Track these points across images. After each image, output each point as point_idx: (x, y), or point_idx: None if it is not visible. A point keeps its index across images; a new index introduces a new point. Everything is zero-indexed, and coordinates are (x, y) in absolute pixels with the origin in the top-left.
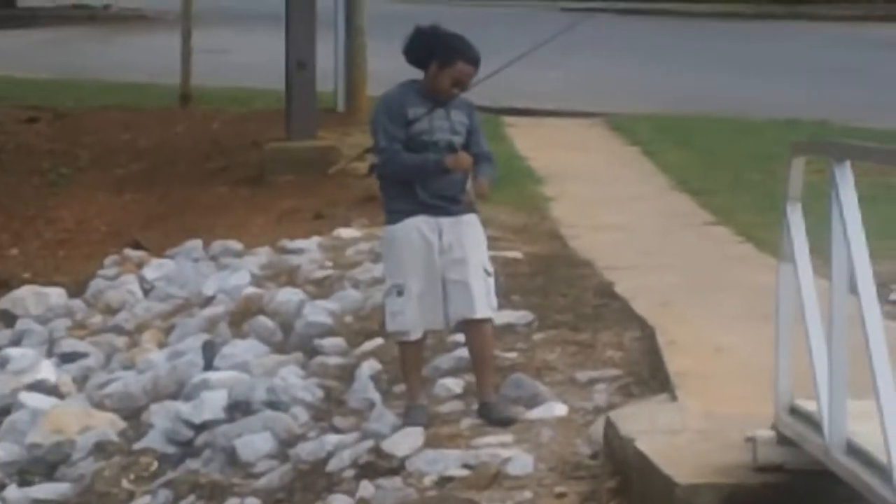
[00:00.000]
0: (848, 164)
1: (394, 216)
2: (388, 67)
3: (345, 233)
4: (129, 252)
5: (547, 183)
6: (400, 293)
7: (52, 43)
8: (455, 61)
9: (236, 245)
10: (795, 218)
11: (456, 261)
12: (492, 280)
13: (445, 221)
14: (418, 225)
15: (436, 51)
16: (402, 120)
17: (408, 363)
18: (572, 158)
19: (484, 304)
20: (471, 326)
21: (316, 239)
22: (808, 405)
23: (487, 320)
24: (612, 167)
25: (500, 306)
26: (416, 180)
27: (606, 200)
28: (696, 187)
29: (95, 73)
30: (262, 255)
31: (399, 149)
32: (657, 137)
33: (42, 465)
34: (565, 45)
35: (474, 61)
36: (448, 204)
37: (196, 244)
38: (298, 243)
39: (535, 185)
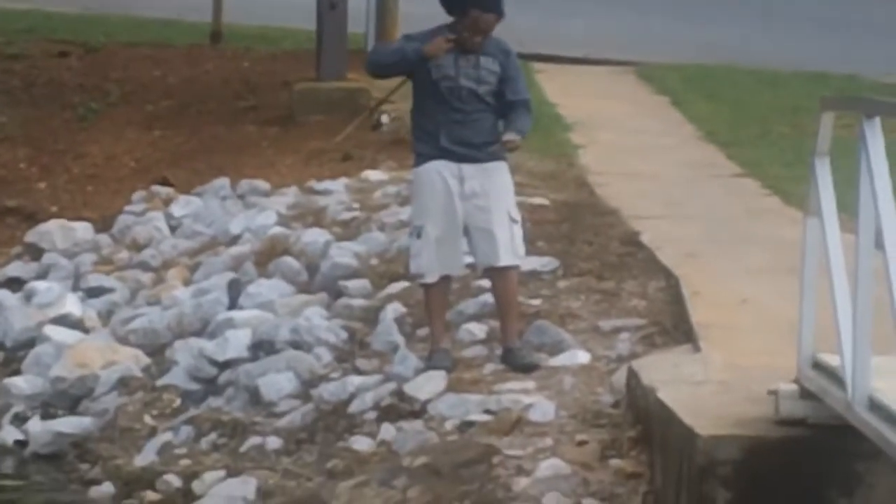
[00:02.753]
0: (878, 119)
1: (418, 159)
2: (419, 10)
3: (372, 175)
4: (156, 188)
5: (575, 130)
6: (419, 235)
7: None
8: (469, 9)
9: (263, 184)
10: (823, 172)
11: (480, 208)
12: (518, 227)
13: (468, 168)
14: (439, 169)
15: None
16: (423, 62)
17: (431, 306)
18: (601, 107)
19: (508, 251)
20: (495, 273)
21: (343, 180)
22: (832, 360)
23: (512, 267)
24: (641, 116)
25: (526, 253)
26: (393, 65)
27: (634, 149)
28: (724, 139)
29: (126, 9)
30: (290, 195)
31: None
32: (685, 88)
33: (65, 399)
34: None
35: (489, 7)
36: (471, 150)
37: (223, 182)
38: (326, 184)
39: (563, 133)
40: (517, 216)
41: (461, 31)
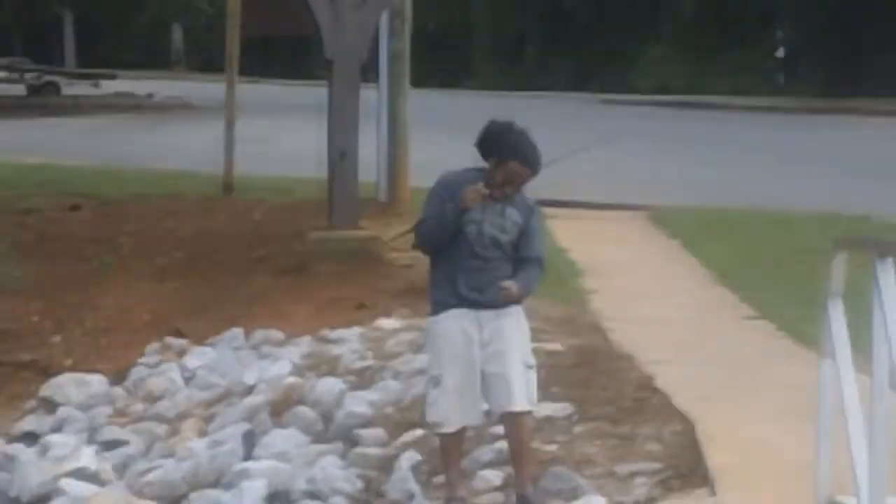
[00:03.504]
0: (890, 260)
1: (435, 307)
2: (428, 157)
3: (386, 323)
4: (170, 340)
5: (588, 275)
6: (437, 384)
7: (95, 131)
8: (508, 159)
9: (277, 334)
10: (836, 314)
11: (496, 353)
12: (533, 373)
13: (486, 315)
14: (458, 318)
15: (497, 145)
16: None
17: (447, 454)
18: (613, 251)
19: (523, 397)
20: (509, 419)
21: (357, 329)
22: (849, 502)
23: (526, 413)
24: (654, 260)
25: (541, 398)
26: (440, 235)
27: (648, 293)
28: (738, 281)
29: (138, 162)
30: (304, 344)
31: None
32: (698, 231)
33: None
34: (606, 136)
35: (529, 163)
36: (488, 297)
37: (237, 333)
38: (339, 333)
39: (577, 278)
40: (532, 362)
41: (495, 179)
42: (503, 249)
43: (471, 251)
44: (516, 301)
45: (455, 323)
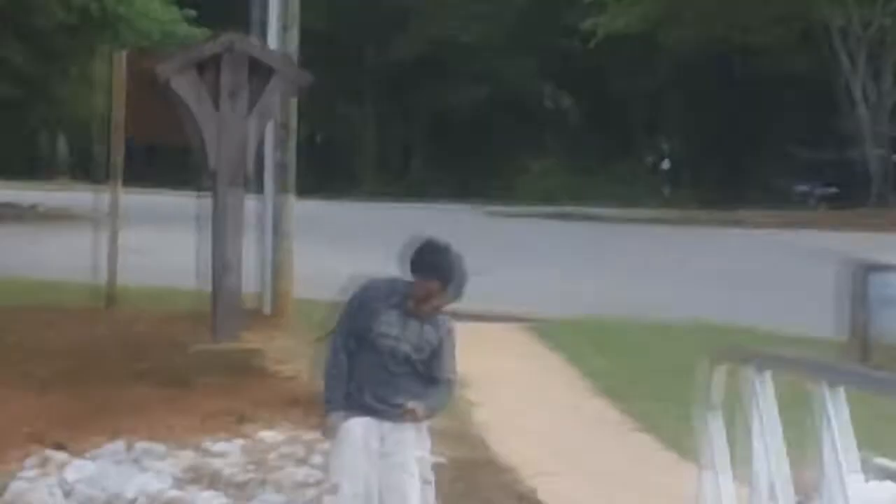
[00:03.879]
0: (769, 373)
1: (331, 410)
2: (314, 269)
3: (268, 436)
4: (50, 453)
5: (471, 387)
6: (334, 492)
7: None
8: (416, 274)
9: (159, 447)
10: (715, 425)
11: (395, 465)
12: (431, 489)
13: (388, 426)
14: (360, 427)
15: (421, 263)
16: (370, 316)
17: None
18: (497, 364)
19: None
20: None
21: (239, 442)
22: None
23: None
24: (536, 373)
25: None
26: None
27: (531, 406)
28: (619, 393)
29: (20, 272)
30: (185, 457)
31: (341, 361)
32: (581, 343)
33: None
34: (489, 248)
35: (436, 278)
36: (393, 409)
37: (118, 446)
38: (221, 446)
39: (459, 390)
40: (431, 478)
41: (414, 296)
42: (413, 366)
43: (381, 364)
44: (419, 421)
45: (356, 432)
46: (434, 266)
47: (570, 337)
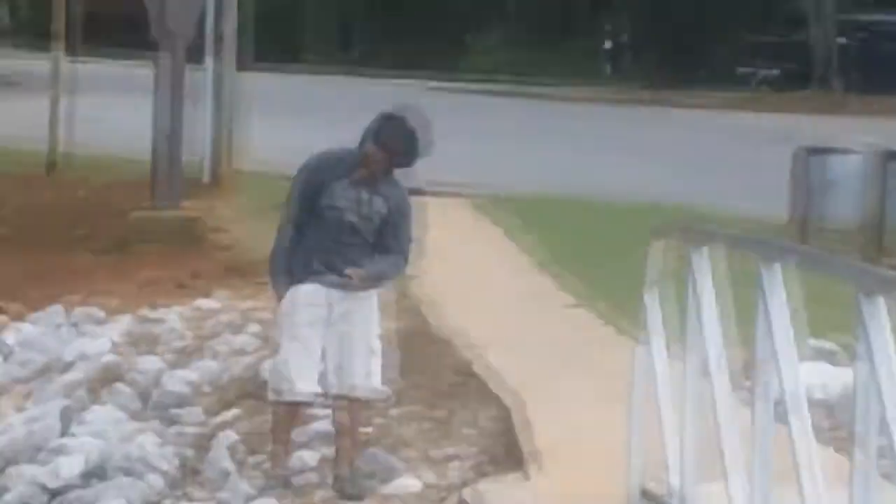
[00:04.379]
0: (705, 249)
1: (279, 277)
2: (255, 139)
3: (205, 303)
4: None
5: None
6: (281, 352)
7: None
8: (367, 142)
9: (98, 312)
10: (652, 302)
11: (341, 335)
12: (377, 360)
13: (335, 294)
14: (309, 292)
15: (367, 131)
16: (318, 188)
17: (277, 427)
18: (435, 237)
19: (363, 383)
20: (343, 402)
21: (177, 309)
22: (660, 488)
23: (363, 399)
24: (476, 247)
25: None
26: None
27: (469, 279)
28: (557, 269)
29: None
30: (124, 322)
31: (289, 233)
32: (521, 219)
33: None
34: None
35: (384, 146)
36: (340, 278)
37: (57, 310)
38: (160, 313)
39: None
40: (378, 348)
41: (364, 164)
42: (363, 236)
43: (330, 235)
44: (361, 288)
45: (304, 297)
46: (390, 137)
47: (511, 213)
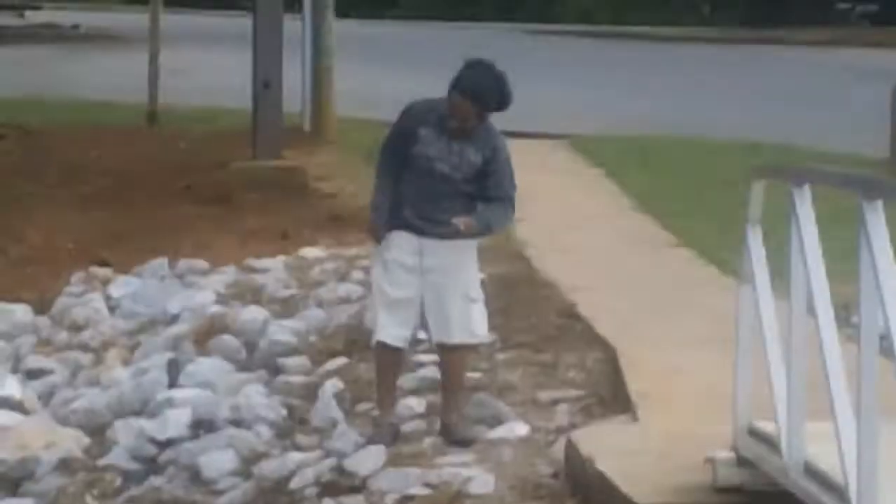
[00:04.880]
0: (807, 187)
1: (377, 227)
2: (354, 87)
3: (310, 252)
4: (95, 270)
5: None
6: (376, 299)
7: (19, 62)
8: (451, 91)
9: (202, 264)
10: (755, 241)
11: (434, 284)
12: (477, 306)
13: (428, 243)
14: (400, 240)
15: (454, 79)
16: (409, 137)
17: (381, 372)
18: (536, 180)
19: (460, 330)
20: (446, 349)
21: (281, 258)
22: (767, 426)
23: (463, 346)
24: (576, 189)
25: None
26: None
27: (571, 222)
28: (660, 209)
29: (63, 92)
30: (228, 273)
31: (382, 187)
32: (620, 159)
33: (6, 482)
34: (527, 66)
35: (471, 96)
36: (434, 226)
37: (162, 262)
38: (264, 262)
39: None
40: (476, 296)
41: (452, 114)
42: (455, 185)
43: (422, 183)
44: (468, 237)
45: (396, 245)
46: (473, 84)
47: (611, 154)
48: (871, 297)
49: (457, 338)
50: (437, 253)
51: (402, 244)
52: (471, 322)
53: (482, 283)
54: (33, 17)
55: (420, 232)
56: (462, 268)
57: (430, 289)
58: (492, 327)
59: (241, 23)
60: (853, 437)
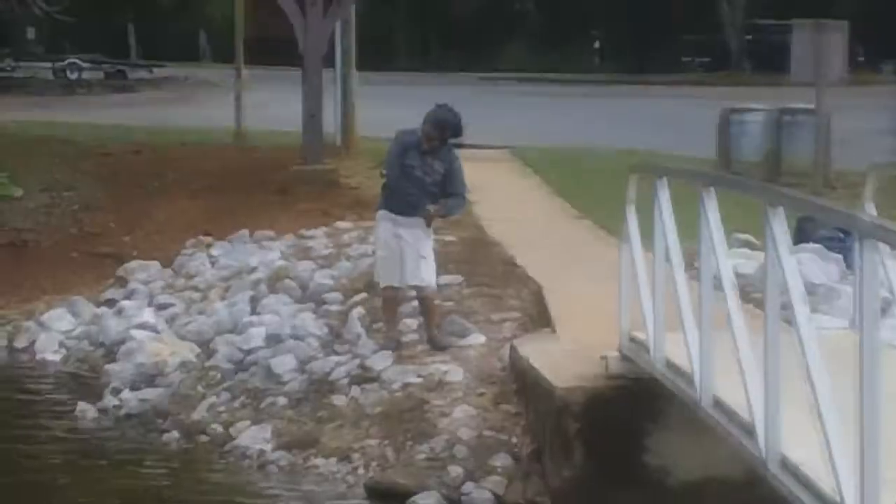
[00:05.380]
0: (665, 179)
1: (379, 209)
2: (371, 117)
3: (342, 225)
4: (201, 238)
5: (473, 191)
6: (376, 256)
7: (149, 103)
8: (424, 123)
9: (271, 233)
10: (631, 215)
11: (406, 245)
12: (426, 262)
13: (402, 220)
14: (386, 217)
15: (424, 116)
16: (400, 154)
17: (385, 306)
18: (489, 175)
19: (413, 276)
20: (415, 289)
21: (323, 229)
22: (641, 335)
23: (423, 287)
24: (514, 182)
25: (441, 273)
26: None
27: (510, 202)
28: (569, 194)
29: (178, 122)
30: (288, 240)
31: (397, 175)
32: (544, 162)
33: (145, 377)
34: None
35: (436, 126)
36: (408, 210)
37: (244, 233)
38: (311, 232)
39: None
40: (425, 254)
41: (424, 138)
42: (427, 189)
43: (406, 185)
44: (439, 217)
45: (384, 219)
46: (438, 119)
47: (538, 158)
48: (708, 251)
49: (415, 281)
50: (406, 227)
51: (387, 222)
52: (421, 272)
53: (453, 243)
54: (159, 72)
55: (399, 213)
56: (419, 238)
57: (403, 249)
58: (459, 272)
59: (296, 74)
60: (697, 342)
